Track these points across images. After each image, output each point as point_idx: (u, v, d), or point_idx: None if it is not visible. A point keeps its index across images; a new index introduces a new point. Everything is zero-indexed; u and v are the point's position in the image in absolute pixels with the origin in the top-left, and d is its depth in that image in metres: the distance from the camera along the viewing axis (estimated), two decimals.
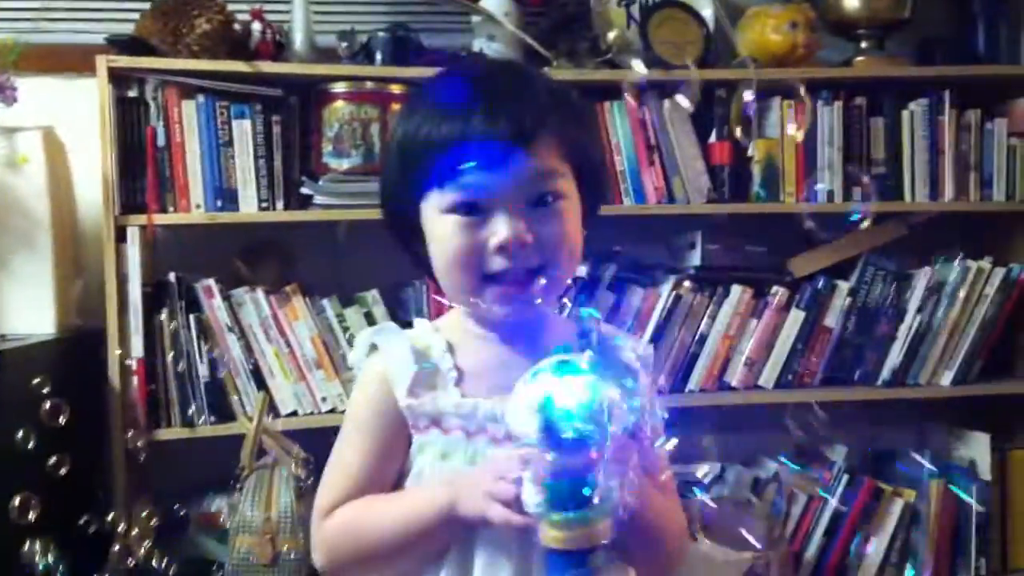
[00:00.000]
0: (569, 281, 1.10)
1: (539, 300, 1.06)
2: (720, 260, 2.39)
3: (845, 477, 2.42)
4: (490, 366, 1.10)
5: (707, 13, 2.50)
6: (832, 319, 2.42)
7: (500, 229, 1.02)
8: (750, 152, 2.39)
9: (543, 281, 1.04)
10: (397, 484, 1.11)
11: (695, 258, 2.39)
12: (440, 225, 1.05)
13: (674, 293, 2.34)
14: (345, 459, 1.12)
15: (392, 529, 1.05)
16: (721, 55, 2.48)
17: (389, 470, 1.10)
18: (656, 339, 2.30)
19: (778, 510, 2.37)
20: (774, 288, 2.40)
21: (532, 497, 0.91)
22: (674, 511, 1.13)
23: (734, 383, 2.38)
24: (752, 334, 2.38)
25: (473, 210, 1.04)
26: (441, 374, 1.09)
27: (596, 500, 0.89)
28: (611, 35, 2.36)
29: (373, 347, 1.13)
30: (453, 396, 1.08)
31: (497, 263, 1.03)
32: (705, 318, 2.36)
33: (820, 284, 2.42)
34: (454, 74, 1.20)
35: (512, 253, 1.03)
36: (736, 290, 2.38)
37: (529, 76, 1.14)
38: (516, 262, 1.03)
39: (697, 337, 2.35)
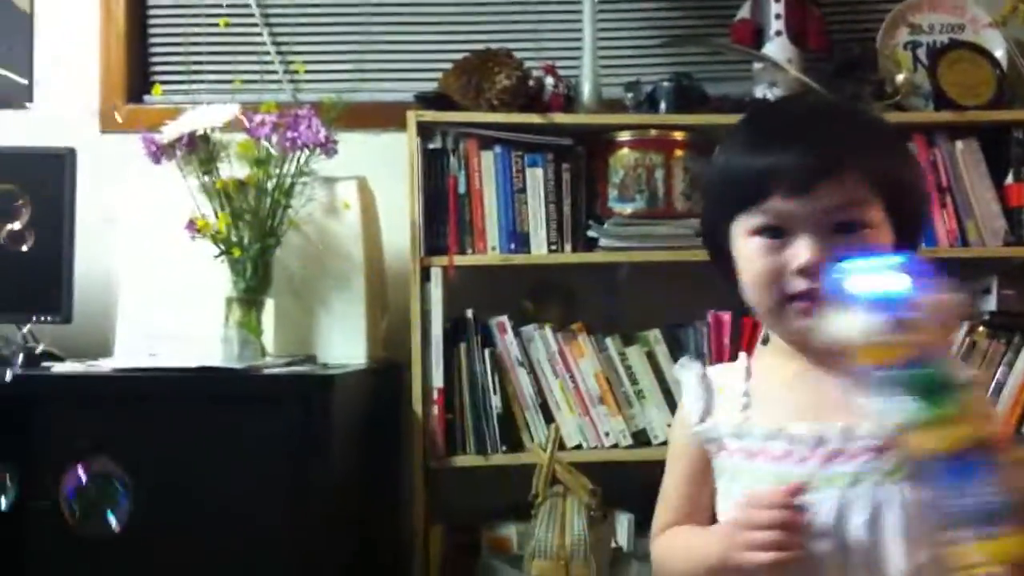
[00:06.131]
0: None
1: None
2: (1017, 306, 2.30)
3: None
4: (782, 387, 1.14)
5: (999, 53, 2.44)
6: None
7: (802, 252, 1.07)
8: None
9: None
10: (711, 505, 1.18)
11: (990, 303, 2.31)
12: (746, 246, 1.12)
13: (968, 339, 2.27)
14: (665, 485, 1.23)
15: (690, 565, 1.14)
16: (1017, 95, 2.39)
17: (702, 493, 1.19)
18: None
19: None
20: None
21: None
22: None
23: None
24: None
25: (777, 233, 1.09)
26: (733, 399, 1.15)
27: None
28: (899, 78, 2.34)
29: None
30: (734, 419, 1.13)
31: (798, 284, 1.07)
32: (1002, 366, 2.27)
33: None
34: (771, 105, 1.28)
35: (813, 275, 1.06)
36: None
37: (844, 109, 1.24)
38: (817, 283, 1.06)
39: (993, 385, 2.26)
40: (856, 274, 0.92)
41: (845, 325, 0.90)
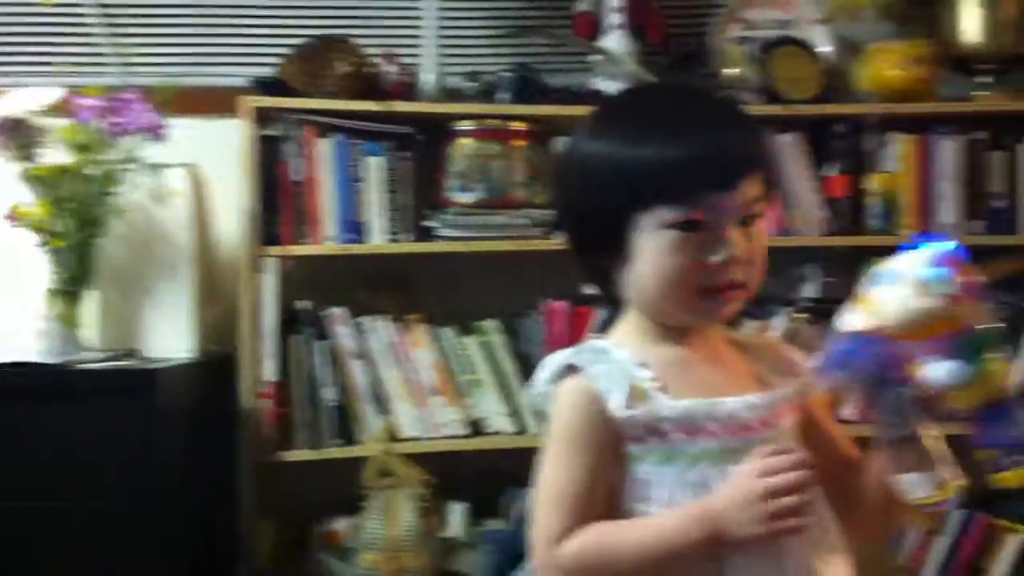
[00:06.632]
0: None
1: (732, 311, 1.11)
2: (838, 292, 2.39)
3: (960, 512, 2.38)
4: (680, 370, 1.12)
5: (825, 50, 2.54)
6: None
7: (726, 247, 1.06)
8: (867, 186, 2.40)
9: (744, 294, 1.09)
10: (610, 497, 1.11)
11: (811, 290, 2.40)
12: (658, 239, 1.07)
13: (788, 326, 2.36)
14: (565, 480, 1.10)
15: (639, 562, 1.06)
16: (839, 91, 2.49)
17: (603, 487, 1.10)
18: None
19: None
20: None
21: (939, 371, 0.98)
22: None
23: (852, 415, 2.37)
24: None
25: (692, 226, 1.06)
26: (645, 383, 1.10)
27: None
28: (730, 72, 2.41)
29: (567, 369, 1.12)
30: (665, 402, 1.09)
31: (717, 277, 1.07)
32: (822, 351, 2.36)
33: None
34: (668, 92, 1.30)
35: (735, 267, 1.06)
36: None
37: (731, 99, 1.20)
38: (730, 277, 1.07)
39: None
40: (913, 259, 1.01)
41: (903, 304, 0.99)
